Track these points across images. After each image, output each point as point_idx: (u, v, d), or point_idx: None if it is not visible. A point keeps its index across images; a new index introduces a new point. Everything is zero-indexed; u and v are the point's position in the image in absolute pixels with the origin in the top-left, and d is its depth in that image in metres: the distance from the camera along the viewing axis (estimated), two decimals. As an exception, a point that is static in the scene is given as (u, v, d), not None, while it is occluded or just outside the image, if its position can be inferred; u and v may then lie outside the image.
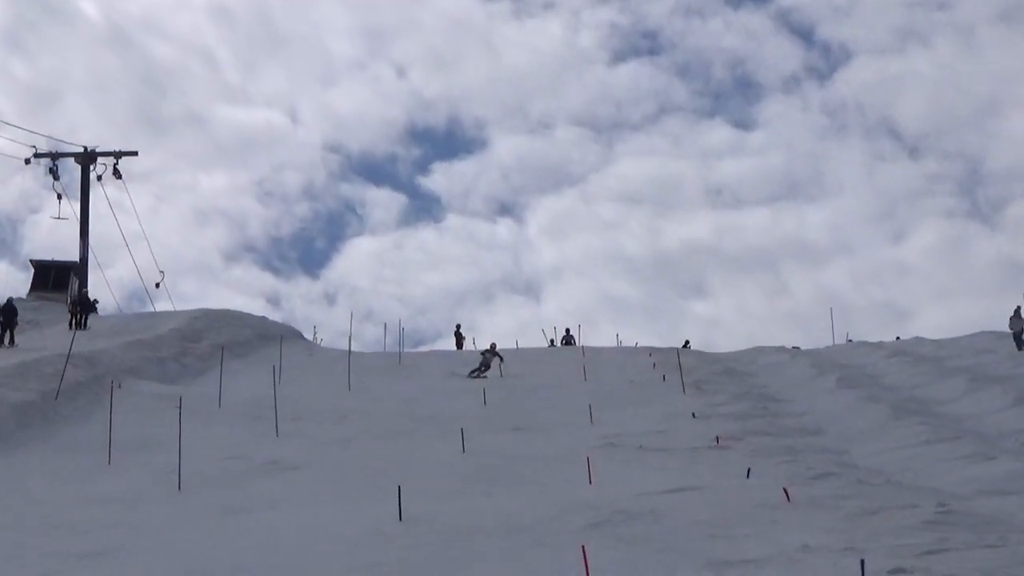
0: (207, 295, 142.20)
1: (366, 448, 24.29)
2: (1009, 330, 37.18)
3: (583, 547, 12.18)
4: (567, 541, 14.01)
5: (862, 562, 11.16)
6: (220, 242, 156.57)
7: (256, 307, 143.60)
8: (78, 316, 41.89)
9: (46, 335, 39.18)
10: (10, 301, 37.82)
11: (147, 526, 17.04)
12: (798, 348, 43.79)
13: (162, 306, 53.45)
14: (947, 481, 18.12)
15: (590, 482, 18.87)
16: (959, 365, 33.24)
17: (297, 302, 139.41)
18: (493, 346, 37.94)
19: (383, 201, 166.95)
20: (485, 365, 36.32)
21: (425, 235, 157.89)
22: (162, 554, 14.94)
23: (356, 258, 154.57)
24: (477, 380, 34.88)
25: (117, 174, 54.08)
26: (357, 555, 14.12)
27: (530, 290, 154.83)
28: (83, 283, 51.35)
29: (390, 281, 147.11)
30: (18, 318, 37.17)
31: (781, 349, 42.15)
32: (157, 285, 53.44)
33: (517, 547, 14.20)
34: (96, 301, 48.63)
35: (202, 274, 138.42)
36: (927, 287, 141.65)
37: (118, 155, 54.24)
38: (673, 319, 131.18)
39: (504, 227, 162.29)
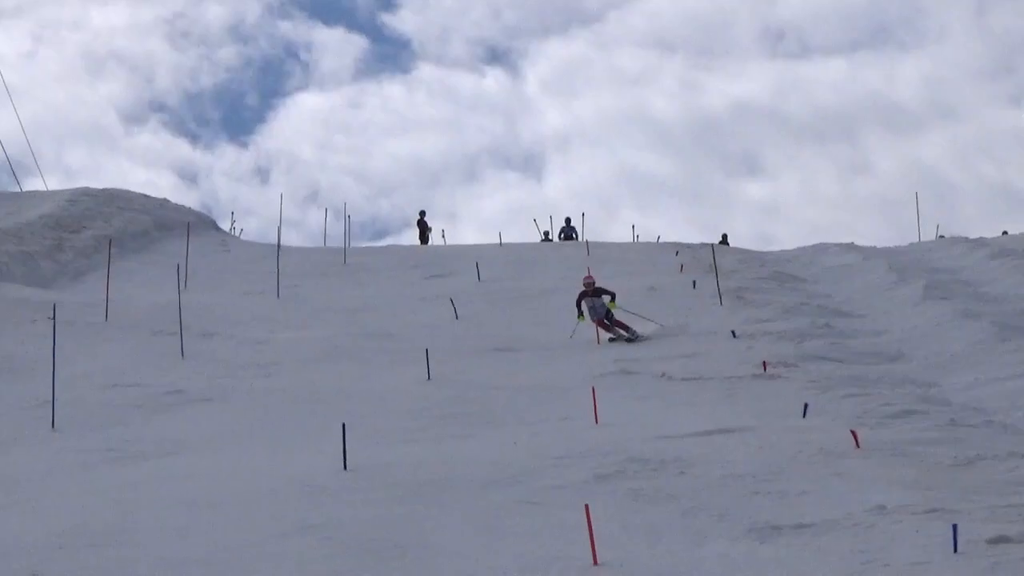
0: (100, 169, 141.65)
1: (300, 375, 24.28)
2: None
3: (586, 507, 12.18)
4: (566, 498, 14.03)
5: (954, 528, 11.19)
6: (118, 98, 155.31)
7: (164, 184, 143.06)
8: None
9: None
10: None
11: (7, 476, 17.02)
12: (873, 246, 43.79)
13: (32, 185, 53.15)
14: (1067, 422, 18.18)
15: (596, 421, 18.89)
16: (1085, 270, 33.26)
17: (219, 179, 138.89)
18: (588, 283, 28.44)
19: (335, 44, 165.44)
20: (600, 318, 27.85)
21: (390, 90, 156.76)
22: (25, 514, 14.92)
23: (298, 120, 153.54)
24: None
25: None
26: (287, 515, 14.12)
27: (529, 165, 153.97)
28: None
29: (343, 151, 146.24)
30: None
31: (850, 247, 42.14)
32: None
33: (500, 506, 14.22)
34: None
35: (94, 141, 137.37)
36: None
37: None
38: (715, 205, 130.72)
39: (494, 80, 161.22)
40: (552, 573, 11.53)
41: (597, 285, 28.17)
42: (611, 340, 27.47)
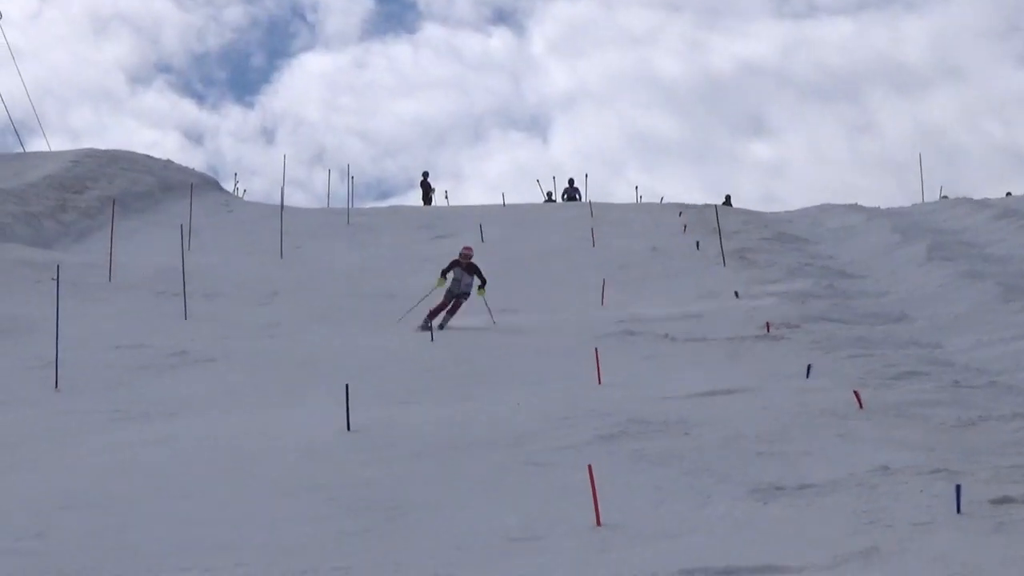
0: (105, 130, 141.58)
1: (303, 336, 24.29)
2: None
3: (589, 467, 12.17)
4: (569, 459, 14.02)
5: (958, 488, 11.17)
6: (124, 59, 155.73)
7: (170, 145, 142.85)
8: None
9: None
10: None
11: (11, 436, 17.03)
12: (877, 207, 43.73)
13: (36, 146, 53.14)
14: (1070, 383, 18.17)
15: (599, 382, 18.89)
16: (1089, 231, 33.23)
17: (225, 139, 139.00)
18: (466, 255, 26.21)
19: (341, 5, 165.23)
20: (457, 294, 25.73)
21: (396, 51, 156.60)
22: (28, 474, 14.93)
23: (304, 81, 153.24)
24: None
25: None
26: (290, 474, 14.13)
27: (534, 125, 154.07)
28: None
29: (348, 112, 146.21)
30: None
31: (854, 208, 42.11)
32: None
33: (503, 467, 14.22)
34: None
35: (99, 102, 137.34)
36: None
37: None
38: (720, 165, 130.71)
39: (500, 40, 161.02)
40: (555, 534, 11.52)
41: (473, 261, 25.84)
42: (444, 324, 25.12)
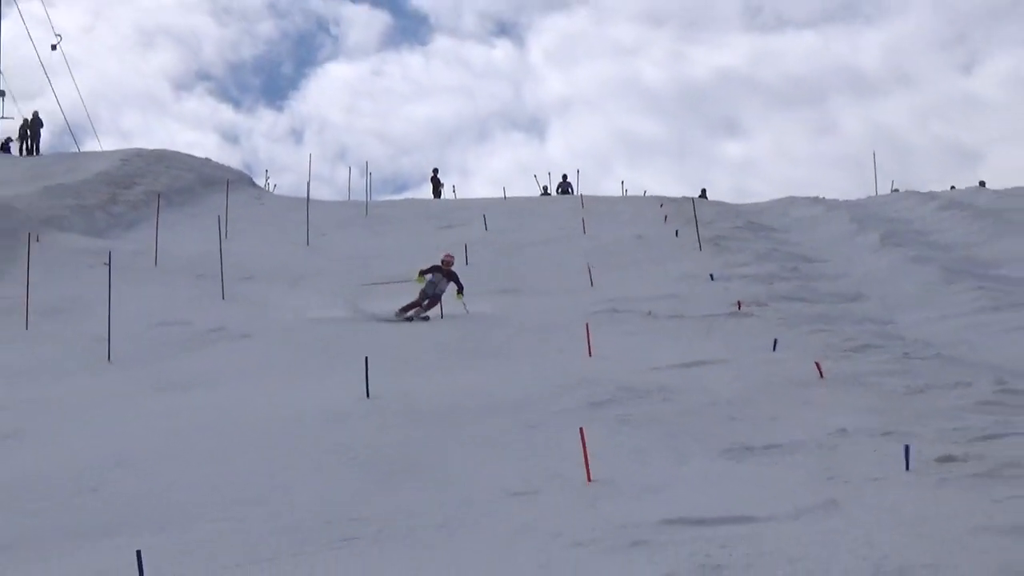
0: (151, 132, 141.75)
1: (327, 314, 24.23)
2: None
3: (581, 430, 12.16)
4: (563, 422, 14.01)
5: (906, 448, 11.17)
6: (168, 68, 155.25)
7: (209, 145, 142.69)
8: None
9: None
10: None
11: (70, 403, 17.03)
12: (835, 199, 43.68)
13: (89, 146, 53.13)
14: (1007, 355, 18.13)
15: (589, 354, 18.86)
16: None
17: (258, 140, 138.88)
18: (447, 262, 24.88)
19: (361, 19, 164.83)
20: (431, 295, 24.38)
21: (410, 60, 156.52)
22: (86, 436, 14.93)
23: (328, 87, 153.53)
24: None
25: (31, -12, 53.32)
26: (316, 437, 14.12)
27: (533, 127, 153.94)
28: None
29: (367, 115, 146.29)
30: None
31: (816, 200, 42.03)
32: (53, 47, 53.08)
33: (504, 430, 14.20)
34: (9, 140, 49.09)
35: (146, 106, 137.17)
36: (1000, 125, 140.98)
37: (32, -36, 53.53)
38: (700, 162, 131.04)
39: (502, 51, 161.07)
40: (550, 489, 11.52)
41: (453, 268, 24.58)
42: (414, 318, 23.84)
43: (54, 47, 53.09)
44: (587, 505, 10.74)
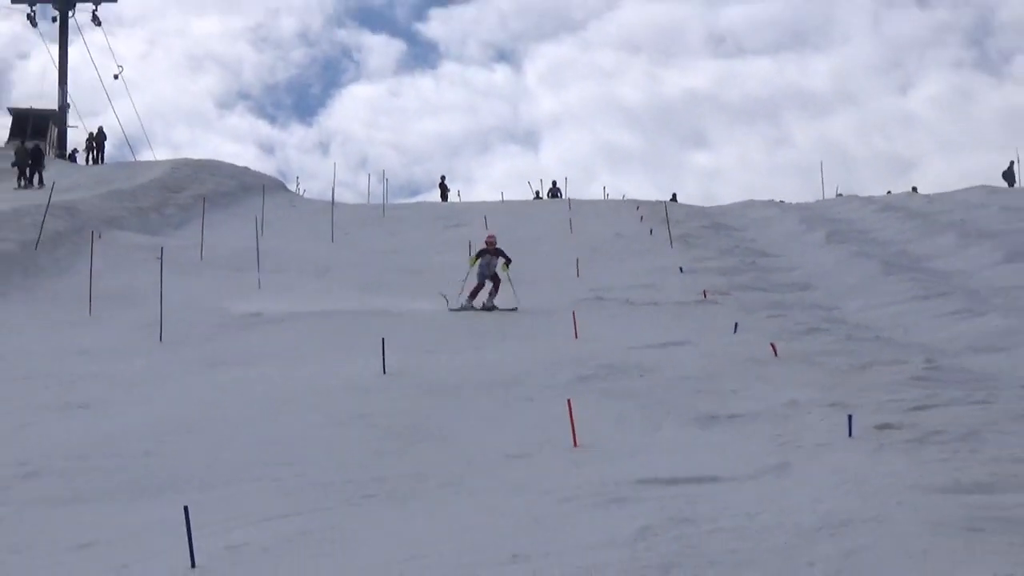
0: (199, 143, 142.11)
1: (349, 302, 24.18)
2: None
3: (569, 401, 12.15)
4: (553, 395, 14.00)
5: (849, 418, 11.17)
6: (213, 89, 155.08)
7: (248, 155, 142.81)
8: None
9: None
10: (37, 146, 40.87)
11: (127, 378, 17.02)
12: (792, 203, 43.63)
13: (145, 156, 53.16)
14: (936, 337, 18.14)
15: (576, 336, 18.85)
16: (950, 220, 33.15)
17: (291, 151, 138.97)
18: (490, 242, 23.72)
19: (380, 47, 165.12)
20: (488, 275, 23.21)
21: (421, 82, 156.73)
22: (142, 406, 14.92)
23: (351, 105, 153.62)
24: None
25: (96, 21, 53.02)
26: (340, 407, 14.11)
27: (528, 140, 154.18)
28: (63, 133, 50.84)
29: (385, 129, 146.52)
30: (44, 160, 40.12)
31: (770, 203, 42.03)
32: (116, 77, 53.06)
33: (503, 401, 14.20)
34: (75, 151, 49.22)
35: (194, 122, 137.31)
36: (932, 139, 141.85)
37: (97, 0, 53.16)
38: (672, 170, 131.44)
39: (501, 75, 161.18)
40: (542, 452, 11.52)
41: (498, 246, 23.44)
42: (482, 307, 22.65)
43: (116, 76, 53.08)
44: (573, 466, 10.74)
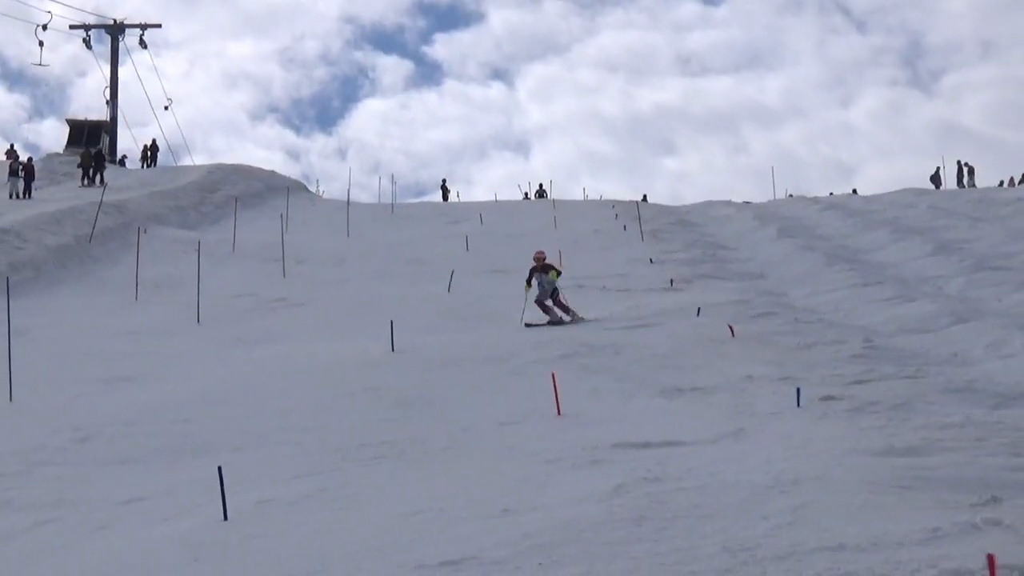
0: (233, 150, 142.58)
1: (362, 288, 24.19)
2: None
3: (552, 375, 12.14)
4: (539, 369, 13.98)
5: (798, 390, 11.16)
6: (246, 103, 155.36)
7: (276, 160, 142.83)
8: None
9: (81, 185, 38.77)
10: (99, 151, 41.27)
11: (169, 355, 16.98)
12: (748, 202, 43.60)
13: (185, 161, 53.08)
14: (872, 320, 18.14)
15: (559, 319, 18.76)
16: (884, 218, 33.15)
17: (313, 156, 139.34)
18: (538, 259, 19.71)
19: (391, 67, 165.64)
20: (547, 293, 19.18)
21: (427, 97, 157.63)
22: (181, 379, 14.88)
23: (366, 117, 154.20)
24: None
25: (143, 44, 52.83)
26: (354, 380, 14.08)
27: (520, 147, 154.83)
28: (113, 141, 50.70)
29: (396, 137, 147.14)
30: (105, 163, 40.10)
31: (729, 203, 41.99)
32: (166, 108, 52.88)
33: (495, 374, 14.18)
34: (124, 156, 49.29)
35: (230, 131, 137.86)
36: (870, 147, 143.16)
37: (143, 27, 53.02)
38: (645, 173, 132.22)
39: (496, 91, 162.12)
40: (530, 420, 11.50)
41: (547, 261, 19.69)
42: (549, 323, 18.61)
43: (166, 107, 52.97)
44: (557, 431, 10.71)
